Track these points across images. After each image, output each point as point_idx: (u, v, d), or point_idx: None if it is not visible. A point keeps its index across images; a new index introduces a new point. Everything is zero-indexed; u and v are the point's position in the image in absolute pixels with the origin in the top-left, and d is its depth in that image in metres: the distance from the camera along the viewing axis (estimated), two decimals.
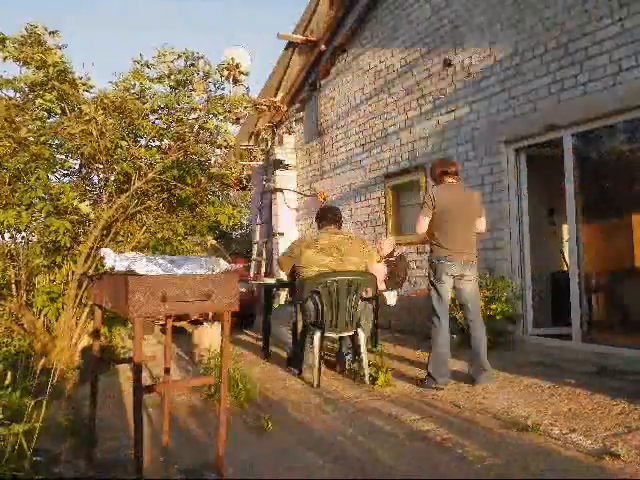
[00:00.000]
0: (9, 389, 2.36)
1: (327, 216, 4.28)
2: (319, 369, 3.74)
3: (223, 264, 2.06)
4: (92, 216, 3.68)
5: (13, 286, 3.66)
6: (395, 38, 6.97)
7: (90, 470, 2.22)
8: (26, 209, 3.33)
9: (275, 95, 9.39)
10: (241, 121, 6.53)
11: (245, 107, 4.09)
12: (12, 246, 3.66)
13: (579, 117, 4.62)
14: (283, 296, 5.49)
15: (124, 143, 3.59)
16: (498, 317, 5.05)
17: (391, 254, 5.30)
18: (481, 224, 3.94)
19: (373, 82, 7.43)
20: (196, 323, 5.09)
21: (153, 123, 3.77)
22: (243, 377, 3.40)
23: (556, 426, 2.77)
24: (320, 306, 3.85)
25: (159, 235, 3.84)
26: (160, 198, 3.91)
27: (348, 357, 4.40)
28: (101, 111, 3.32)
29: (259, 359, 4.66)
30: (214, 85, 3.83)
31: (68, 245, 3.35)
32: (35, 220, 3.51)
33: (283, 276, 4.62)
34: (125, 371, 3.96)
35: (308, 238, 4.21)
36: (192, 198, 3.95)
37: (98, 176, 3.90)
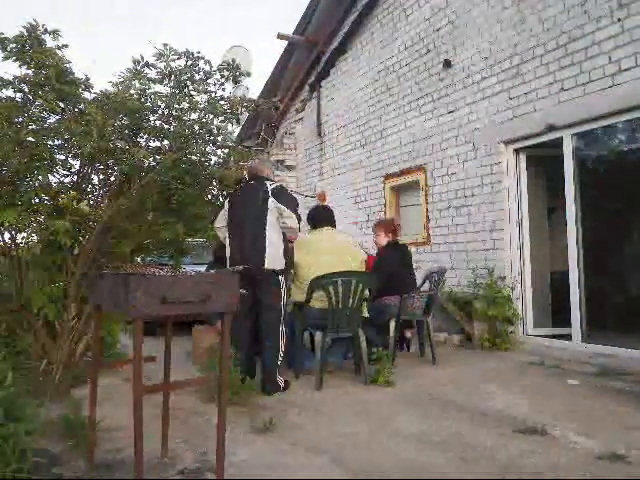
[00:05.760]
0: (10, 389, 2.36)
1: (323, 216, 4.32)
2: (321, 370, 3.73)
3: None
4: (92, 216, 3.68)
5: (14, 287, 3.67)
6: (395, 38, 6.98)
7: (90, 470, 2.23)
8: (26, 209, 3.33)
9: (275, 95, 9.39)
10: (241, 122, 6.53)
11: (245, 107, 4.09)
12: (12, 246, 3.66)
13: (579, 117, 4.63)
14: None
15: (124, 144, 3.59)
16: (498, 317, 5.06)
17: None
18: None
19: (373, 82, 7.43)
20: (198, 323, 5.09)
21: (153, 123, 3.76)
22: (243, 377, 3.40)
23: (557, 426, 2.77)
24: (323, 306, 3.86)
25: (162, 236, 3.84)
26: (161, 198, 3.91)
27: (345, 357, 4.40)
28: (101, 112, 3.31)
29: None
30: (214, 85, 3.82)
31: (68, 245, 3.35)
32: (35, 220, 3.51)
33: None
34: (125, 371, 3.96)
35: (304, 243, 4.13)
36: (193, 198, 3.95)
37: (98, 176, 3.90)
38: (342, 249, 4.13)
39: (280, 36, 8.47)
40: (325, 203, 8.25)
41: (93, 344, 2.57)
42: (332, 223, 4.31)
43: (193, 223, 4.10)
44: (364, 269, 4.22)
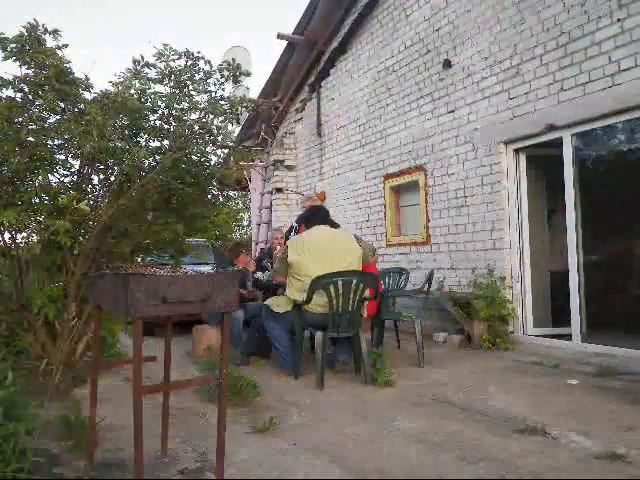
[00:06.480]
0: (10, 389, 2.36)
1: (317, 215, 4.34)
2: (322, 370, 3.74)
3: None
4: (92, 216, 3.68)
5: (14, 287, 3.67)
6: (395, 38, 6.98)
7: (90, 470, 2.22)
8: (26, 209, 3.33)
9: (275, 95, 9.39)
10: (241, 122, 6.52)
11: (245, 107, 4.08)
12: (12, 246, 3.66)
13: (579, 117, 4.63)
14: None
15: (124, 144, 3.59)
16: (498, 317, 5.06)
17: None
18: None
19: (373, 82, 7.43)
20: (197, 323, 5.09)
21: (153, 123, 3.76)
22: (243, 377, 3.40)
23: (556, 426, 2.77)
24: (324, 306, 3.87)
25: (162, 235, 3.83)
26: (161, 198, 3.91)
27: (343, 357, 4.40)
28: (101, 112, 3.31)
29: (259, 359, 4.66)
30: (214, 85, 3.82)
31: (68, 245, 3.35)
32: (35, 220, 3.51)
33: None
34: (125, 371, 3.96)
35: (295, 243, 4.14)
36: (193, 198, 3.95)
37: (98, 176, 3.90)
38: (338, 246, 4.11)
39: (280, 36, 8.47)
40: (323, 203, 8.26)
41: (93, 344, 2.57)
42: (326, 222, 4.31)
43: (193, 223, 4.10)
44: (362, 263, 4.19)
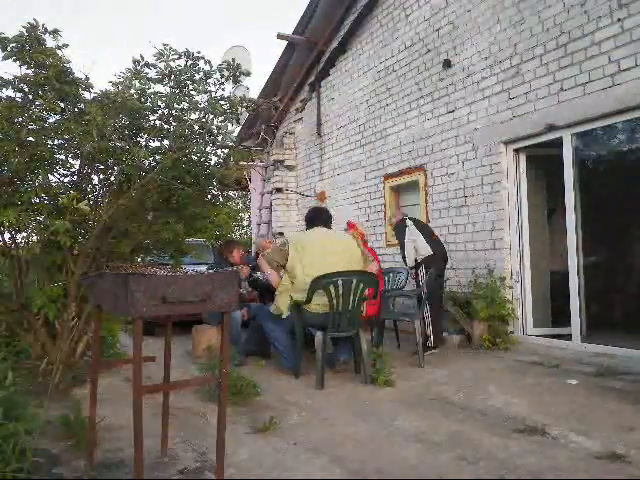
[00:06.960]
0: (10, 389, 2.36)
1: (319, 217, 4.36)
2: (322, 369, 3.74)
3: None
4: (92, 216, 3.68)
5: (14, 287, 3.67)
6: (395, 38, 6.98)
7: (90, 470, 2.22)
8: (26, 209, 3.33)
9: (275, 95, 9.39)
10: (241, 122, 6.52)
11: (245, 107, 4.09)
12: (12, 246, 3.66)
13: (579, 117, 4.63)
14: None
15: (124, 144, 3.59)
16: (498, 317, 5.06)
17: None
18: None
19: (373, 82, 7.43)
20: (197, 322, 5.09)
21: (153, 123, 3.77)
22: (243, 377, 3.41)
23: (556, 426, 2.77)
24: (324, 305, 3.87)
25: (162, 235, 3.84)
26: (161, 198, 3.91)
27: (344, 357, 4.40)
28: (101, 112, 3.31)
29: (259, 359, 4.66)
30: (214, 85, 3.82)
31: (68, 245, 3.35)
32: (35, 220, 3.51)
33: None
34: (125, 371, 3.96)
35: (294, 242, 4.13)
36: (192, 198, 3.95)
37: (98, 176, 3.90)
38: (337, 246, 4.12)
39: (280, 36, 8.46)
40: (323, 204, 8.26)
41: (93, 344, 2.57)
42: (327, 223, 4.36)
43: (193, 223, 4.10)
44: (365, 264, 4.20)
